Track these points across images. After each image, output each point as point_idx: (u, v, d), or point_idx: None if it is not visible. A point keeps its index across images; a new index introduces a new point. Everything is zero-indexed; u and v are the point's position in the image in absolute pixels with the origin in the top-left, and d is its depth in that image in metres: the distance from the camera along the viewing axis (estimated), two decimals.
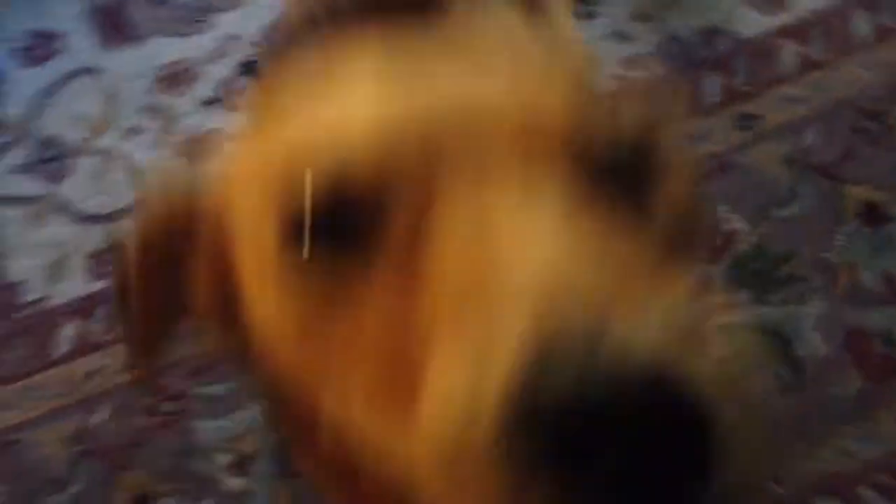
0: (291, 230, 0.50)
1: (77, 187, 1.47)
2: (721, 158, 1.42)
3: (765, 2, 1.56)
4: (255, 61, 1.58)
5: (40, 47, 1.62)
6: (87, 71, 1.59)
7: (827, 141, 1.43)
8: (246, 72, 1.58)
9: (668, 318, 0.39)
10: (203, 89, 1.57)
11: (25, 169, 1.51)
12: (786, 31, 1.54)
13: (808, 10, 1.55)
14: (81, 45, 1.62)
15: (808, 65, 1.51)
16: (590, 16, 1.57)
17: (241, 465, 1.18)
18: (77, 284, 1.34)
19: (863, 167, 1.40)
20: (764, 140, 1.45)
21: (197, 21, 1.62)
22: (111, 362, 1.26)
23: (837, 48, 1.52)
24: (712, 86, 1.51)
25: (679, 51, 1.54)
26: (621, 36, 1.56)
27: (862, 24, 1.54)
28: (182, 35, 1.61)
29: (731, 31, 1.54)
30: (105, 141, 1.52)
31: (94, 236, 1.38)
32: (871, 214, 1.35)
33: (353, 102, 0.52)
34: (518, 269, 0.42)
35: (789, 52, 1.53)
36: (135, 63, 1.59)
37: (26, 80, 1.56)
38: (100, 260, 1.37)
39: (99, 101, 1.57)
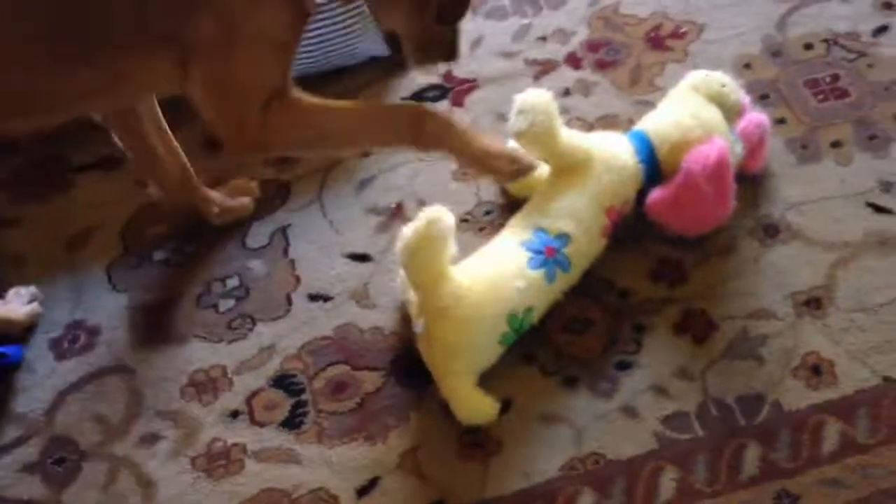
0: None
1: (78, 496, 1.47)
2: None
3: (812, 374, 1.57)
4: (289, 376, 1.61)
5: (77, 340, 1.67)
6: (120, 369, 1.63)
7: None
8: (276, 386, 1.61)
9: None
10: (230, 400, 1.59)
11: (33, 469, 1.52)
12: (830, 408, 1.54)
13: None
14: (119, 341, 1.66)
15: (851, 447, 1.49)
16: (627, 366, 1.58)
17: None
18: None
19: None
20: None
21: (237, 328, 1.67)
22: None
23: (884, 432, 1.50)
24: (752, 456, 1.49)
25: (719, 416, 1.53)
26: (660, 391, 1.57)
27: None
28: (220, 341, 1.65)
29: (773, 402, 1.54)
30: (118, 447, 1.53)
31: None
32: None
33: None
34: None
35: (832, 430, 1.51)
36: (166, 366, 1.63)
37: (57, 373, 1.60)
38: None
39: (122, 402, 1.59)
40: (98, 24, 1.30)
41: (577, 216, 1.61)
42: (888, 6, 2.08)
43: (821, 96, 1.94)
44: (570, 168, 1.65)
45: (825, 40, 2.03)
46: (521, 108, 1.61)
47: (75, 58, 1.32)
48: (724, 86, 1.73)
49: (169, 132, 1.68)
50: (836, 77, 1.97)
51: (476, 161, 1.59)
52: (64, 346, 1.69)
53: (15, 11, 1.26)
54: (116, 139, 1.64)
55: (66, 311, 1.73)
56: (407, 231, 1.50)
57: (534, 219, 1.64)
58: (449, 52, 1.52)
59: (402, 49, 1.51)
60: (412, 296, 1.57)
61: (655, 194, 1.66)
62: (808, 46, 2.01)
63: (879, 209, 1.77)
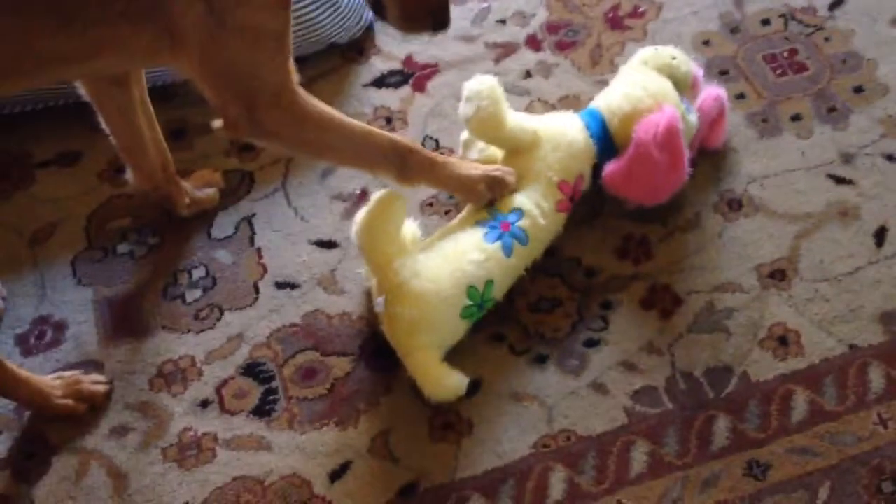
0: None
1: (50, 490, 1.46)
2: None
3: (779, 345, 1.58)
4: (258, 364, 1.60)
5: (44, 335, 1.65)
6: (88, 364, 1.61)
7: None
8: (246, 374, 1.60)
9: None
10: (200, 390, 1.58)
11: (2, 465, 1.50)
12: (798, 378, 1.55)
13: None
14: (86, 335, 1.64)
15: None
16: (595, 343, 1.59)
17: None
18: None
19: None
20: (774, 493, 1.43)
21: (205, 318, 1.66)
22: None
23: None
24: (721, 428, 1.50)
25: (688, 389, 1.54)
26: (629, 366, 1.57)
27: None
28: (188, 332, 1.64)
29: (741, 373, 1.55)
30: (88, 441, 1.52)
31: None
32: None
33: None
34: None
35: (800, 399, 1.53)
36: (134, 358, 1.61)
37: (25, 369, 1.58)
38: None
39: None
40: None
41: (528, 192, 1.62)
42: None
43: (779, 71, 1.95)
44: (519, 150, 1.66)
45: (782, 15, 2.05)
46: (468, 95, 1.62)
47: (68, 27, 1.28)
48: (674, 58, 1.74)
49: (154, 118, 1.66)
50: (793, 51, 1.98)
51: (457, 190, 1.63)
52: (31, 342, 1.67)
53: None
54: (101, 119, 1.61)
55: (32, 306, 1.71)
56: (360, 214, 1.52)
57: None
58: (438, 19, 1.43)
59: (386, 16, 1.45)
60: (370, 278, 1.57)
61: (609, 167, 1.67)
62: (766, 22, 2.03)
63: (840, 180, 1.79)
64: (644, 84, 1.69)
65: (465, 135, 1.74)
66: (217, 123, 1.42)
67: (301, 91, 1.43)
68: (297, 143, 1.47)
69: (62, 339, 1.67)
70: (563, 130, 1.67)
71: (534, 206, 1.61)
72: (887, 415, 1.52)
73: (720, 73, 1.93)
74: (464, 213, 1.66)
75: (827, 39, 2.00)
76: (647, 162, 1.62)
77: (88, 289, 1.73)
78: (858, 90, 1.91)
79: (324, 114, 1.46)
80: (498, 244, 1.56)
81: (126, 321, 1.69)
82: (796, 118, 1.88)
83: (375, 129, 1.53)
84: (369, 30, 2.05)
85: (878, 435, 1.50)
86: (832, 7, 2.05)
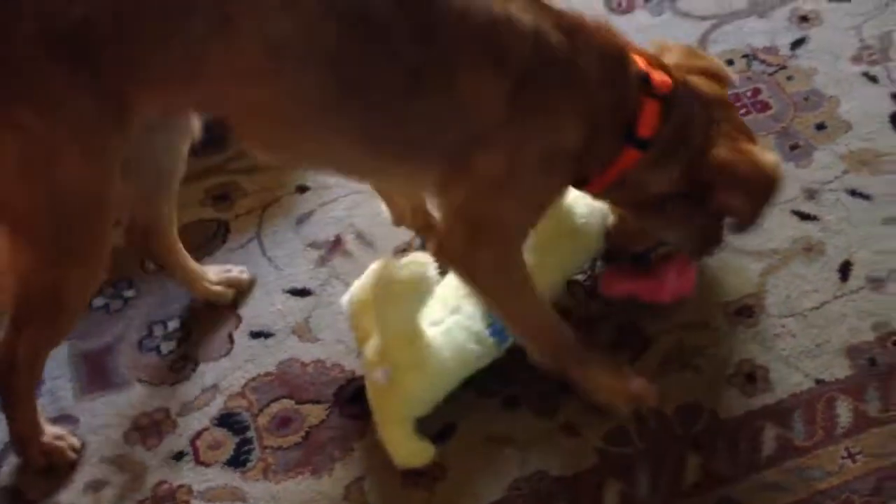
0: None
1: None
2: None
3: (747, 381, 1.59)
4: (233, 414, 1.61)
5: None
6: (64, 419, 1.62)
7: None
8: (221, 425, 1.60)
9: None
10: (174, 442, 1.58)
11: None
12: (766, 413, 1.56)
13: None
14: (61, 390, 1.65)
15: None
16: (567, 385, 1.59)
17: None
18: None
19: None
20: None
21: (180, 370, 1.67)
22: None
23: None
24: (692, 465, 1.51)
25: (658, 427, 1.55)
26: (600, 407, 1.58)
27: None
28: (163, 384, 1.65)
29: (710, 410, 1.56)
30: (64, 496, 1.52)
31: None
32: None
33: None
34: None
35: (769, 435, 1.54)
36: (110, 412, 1.62)
37: (1, 426, 1.58)
38: None
39: None
40: (398, 131, 1.33)
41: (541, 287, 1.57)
42: (804, 19, 2.13)
43: (743, 110, 1.98)
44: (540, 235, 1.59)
45: (745, 56, 2.08)
46: None
47: (369, 147, 1.35)
48: None
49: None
50: (757, 91, 2.02)
51: (596, 396, 1.57)
52: None
53: (319, 64, 1.26)
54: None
55: None
56: (386, 272, 1.47)
57: None
58: (719, 239, 1.61)
59: None
60: (373, 342, 1.53)
61: (624, 285, 1.67)
62: (730, 62, 2.06)
63: (805, 216, 1.81)
64: None
65: None
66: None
67: (520, 252, 1.45)
68: (491, 290, 1.47)
69: (38, 395, 1.66)
70: (588, 224, 1.66)
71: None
72: (855, 449, 1.53)
73: None
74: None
75: (789, 78, 2.03)
76: (662, 293, 1.66)
77: (64, 343, 1.72)
78: (821, 127, 1.94)
79: (524, 280, 1.48)
80: (496, 339, 1.57)
81: (101, 375, 1.70)
82: None
83: (552, 312, 1.53)
84: None
85: (846, 469, 1.51)
86: (794, 46, 2.09)
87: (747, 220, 1.48)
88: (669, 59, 1.48)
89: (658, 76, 1.38)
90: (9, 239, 1.31)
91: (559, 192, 1.46)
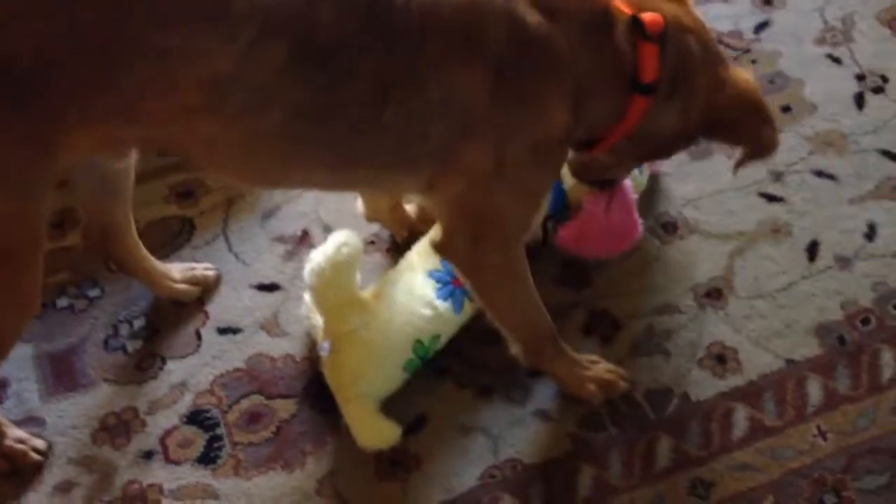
0: None
1: None
2: None
3: (717, 363, 1.59)
4: (203, 412, 1.59)
5: None
6: (30, 421, 1.59)
7: None
8: (190, 422, 1.58)
9: None
10: (143, 441, 1.56)
11: None
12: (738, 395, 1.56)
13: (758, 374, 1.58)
14: (27, 392, 1.62)
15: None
16: (539, 372, 1.59)
17: None
18: None
19: None
20: None
21: (147, 368, 1.64)
22: None
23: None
24: (664, 448, 1.50)
25: (630, 412, 1.55)
26: (544, 415, 1.57)
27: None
28: (130, 383, 1.62)
29: (682, 394, 1.56)
30: (33, 498, 1.49)
31: None
32: None
33: None
34: None
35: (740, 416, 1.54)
36: (77, 412, 1.59)
37: None
38: None
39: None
40: (374, 144, 1.27)
41: None
42: (767, 3, 2.14)
43: None
44: None
45: None
46: None
47: (346, 165, 1.30)
48: None
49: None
50: None
51: (569, 386, 1.57)
52: None
53: (267, 97, 1.19)
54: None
55: None
56: (315, 255, 1.50)
57: None
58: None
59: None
60: (317, 319, 1.57)
61: (564, 232, 1.67)
62: None
63: (771, 198, 1.82)
64: None
65: None
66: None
67: (522, 246, 1.43)
68: (491, 288, 1.45)
69: (3, 397, 1.64)
70: None
71: None
72: (826, 426, 1.54)
73: None
74: (413, 253, 1.64)
75: (754, 61, 2.03)
76: (598, 229, 1.64)
77: (28, 345, 1.70)
78: (786, 109, 1.94)
79: (525, 276, 1.46)
80: (450, 302, 1.56)
81: (68, 375, 1.67)
82: None
83: (543, 309, 1.51)
84: None
85: (818, 447, 1.52)
86: (758, 30, 2.09)
87: (772, 146, 1.42)
88: None
89: (649, 17, 1.31)
90: None
91: (554, 176, 1.43)
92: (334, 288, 1.50)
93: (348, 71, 1.18)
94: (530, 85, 1.26)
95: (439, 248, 1.42)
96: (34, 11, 1.10)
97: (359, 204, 1.74)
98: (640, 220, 1.69)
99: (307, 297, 1.60)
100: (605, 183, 1.60)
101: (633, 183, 1.69)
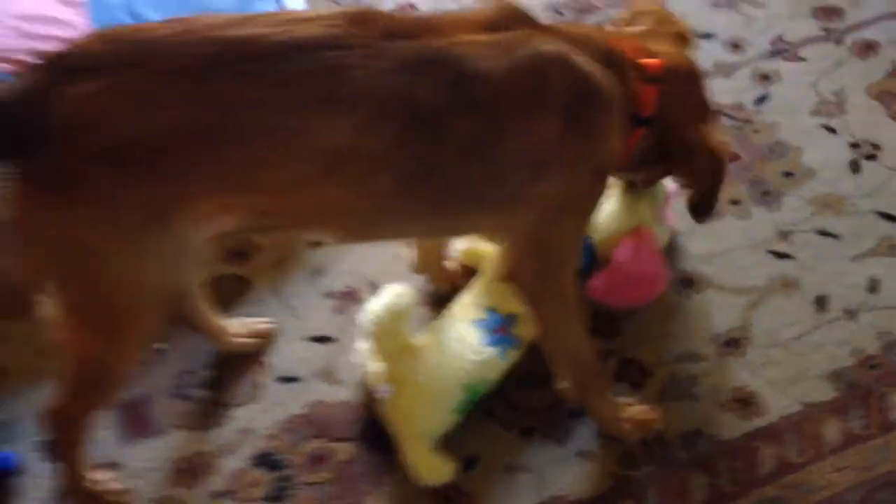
0: None
1: None
2: None
3: (741, 406, 1.71)
4: (268, 454, 1.68)
5: None
6: (108, 464, 1.68)
7: None
8: (257, 464, 1.67)
9: None
10: (215, 482, 1.65)
11: None
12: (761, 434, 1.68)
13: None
14: (103, 439, 1.71)
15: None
16: (578, 414, 1.70)
17: None
18: None
19: None
20: None
21: (213, 415, 1.74)
22: None
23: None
24: (698, 485, 1.61)
25: (663, 452, 1.66)
26: (585, 454, 1.68)
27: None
28: (198, 429, 1.72)
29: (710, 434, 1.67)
30: None
31: None
32: None
33: None
34: None
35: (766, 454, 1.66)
36: (151, 456, 1.68)
37: (48, 474, 1.63)
38: None
39: None
40: (463, 195, 1.39)
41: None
42: (765, 78, 2.30)
43: None
44: None
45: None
46: None
47: (438, 216, 1.43)
48: None
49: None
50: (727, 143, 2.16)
51: (608, 425, 1.69)
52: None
53: (380, 164, 1.32)
54: None
55: None
56: (373, 305, 1.61)
57: (485, 298, 1.76)
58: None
59: None
60: (374, 366, 1.67)
61: (595, 283, 1.79)
62: None
63: (780, 255, 1.96)
64: (625, 204, 1.81)
65: None
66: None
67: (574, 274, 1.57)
68: (551, 314, 1.57)
69: None
70: None
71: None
72: (843, 463, 1.66)
73: None
74: (457, 305, 1.76)
75: (756, 131, 2.19)
76: (627, 279, 1.77)
77: None
78: (788, 174, 2.10)
79: (577, 305, 1.58)
80: (495, 349, 1.68)
81: (140, 423, 1.76)
82: (735, 202, 2.05)
83: (591, 344, 1.64)
84: None
85: (837, 482, 1.65)
86: (757, 102, 2.25)
87: (698, 199, 1.59)
88: (644, 22, 1.61)
89: (650, 62, 1.50)
90: (67, 319, 1.38)
91: (601, 199, 1.55)
92: (392, 335, 1.62)
93: (443, 137, 1.33)
94: (592, 120, 1.42)
95: (509, 277, 1.55)
96: (153, 100, 1.24)
97: (410, 256, 1.86)
98: (665, 271, 1.81)
99: (362, 345, 1.71)
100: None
101: (659, 237, 1.82)
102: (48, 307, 1.38)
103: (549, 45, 1.38)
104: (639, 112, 1.49)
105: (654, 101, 1.50)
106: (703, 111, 1.58)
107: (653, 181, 1.74)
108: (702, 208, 1.59)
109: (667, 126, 1.52)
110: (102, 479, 1.64)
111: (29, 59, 1.50)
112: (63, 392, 1.48)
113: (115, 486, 1.65)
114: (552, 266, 1.53)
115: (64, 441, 1.55)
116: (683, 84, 1.55)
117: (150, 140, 1.24)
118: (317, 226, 1.45)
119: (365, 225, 1.45)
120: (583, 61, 1.39)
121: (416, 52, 1.30)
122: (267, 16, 1.31)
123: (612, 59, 1.45)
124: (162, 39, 1.25)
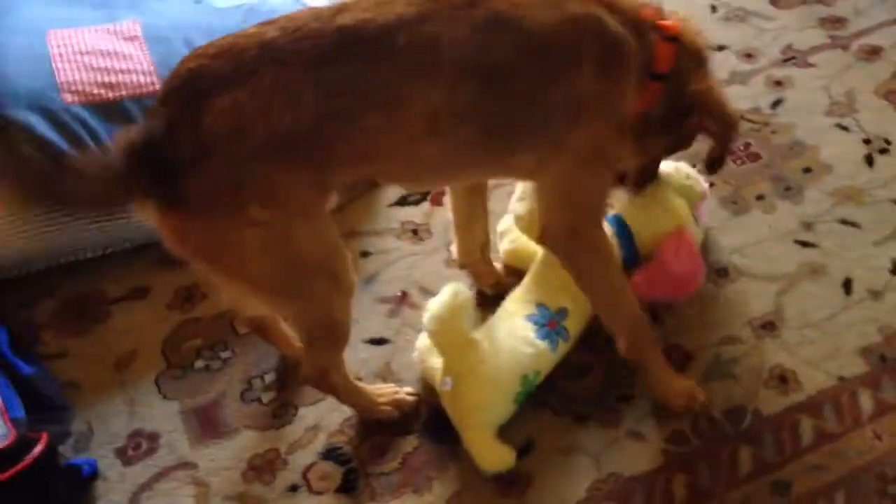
0: None
1: None
2: None
3: (780, 383, 1.80)
4: (336, 449, 1.77)
5: (140, 446, 1.80)
6: (184, 465, 1.77)
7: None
8: (327, 458, 1.76)
9: None
10: (288, 477, 1.74)
11: None
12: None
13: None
14: (177, 442, 1.80)
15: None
16: (627, 398, 1.80)
17: None
18: None
19: None
20: None
21: (283, 415, 1.83)
22: None
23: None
24: (745, 457, 1.70)
25: (710, 428, 1.75)
26: (658, 415, 1.77)
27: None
28: (269, 429, 1.81)
29: (753, 410, 1.76)
30: None
31: None
32: None
33: None
34: None
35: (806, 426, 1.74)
36: (225, 455, 1.77)
37: (127, 477, 1.74)
38: None
39: (191, 493, 1.76)
40: (520, 136, 1.55)
41: (573, 292, 1.78)
42: (779, 84, 2.42)
43: (739, 161, 2.24)
44: None
45: None
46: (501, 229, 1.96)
47: (498, 155, 1.58)
48: (688, 178, 1.98)
49: (486, 209, 1.94)
50: (748, 145, 2.28)
51: (660, 389, 1.79)
52: (129, 453, 1.81)
53: (468, 117, 1.49)
54: (449, 199, 1.93)
55: (125, 423, 1.86)
56: (433, 304, 1.69)
57: (535, 294, 1.85)
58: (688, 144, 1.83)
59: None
60: (434, 361, 1.76)
61: (637, 277, 1.88)
62: None
63: (805, 244, 2.06)
64: (664, 205, 1.92)
65: (501, 225, 1.98)
66: None
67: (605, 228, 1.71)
68: (589, 269, 1.69)
69: (157, 448, 1.82)
70: None
71: (577, 305, 1.83)
72: (881, 430, 1.74)
73: (692, 166, 2.21)
74: (508, 301, 1.86)
75: (774, 132, 2.30)
76: (669, 277, 1.87)
77: (174, 402, 1.89)
78: (807, 170, 2.20)
79: (614, 257, 1.74)
80: (547, 341, 1.78)
81: (212, 425, 1.85)
82: (760, 198, 2.15)
83: (634, 297, 1.75)
84: None
85: (876, 447, 1.72)
86: (774, 106, 2.36)
87: (714, 153, 1.71)
88: None
89: (669, 24, 1.63)
90: (269, 303, 1.62)
91: (625, 148, 1.67)
92: (452, 331, 1.71)
93: (512, 87, 1.49)
94: (619, 74, 1.56)
95: (542, 234, 1.69)
96: (293, 93, 1.40)
97: (453, 250, 1.97)
98: (703, 269, 1.91)
99: (421, 343, 1.81)
100: (643, 180, 1.89)
101: (696, 235, 1.93)
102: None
103: (585, 7, 1.53)
104: (657, 68, 1.62)
105: (672, 58, 1.63)
106: (709, 76, 1.70)
107: (674, 149, 1.84)
108: (717, 162, 1.71)
109: (682, 81, 1.65)
110: (387, 390, 1.82)
111: (100, 90, 1.66)
112: (307, 349, 1.66)
113: (401, 389, 1.82)
114: (582, 219, 1.65)
115: (334, 383, 1.71)
116: (695, 48, 1.67)
117: (299, 128, 1.40)
118: (407, 181, 1.66)
119: (444, 172, 1.63)
120: (611, 22, 1.54)
121: (485, 16, 1.46)
122: (356, 2, 1.46)
123: (634, 20, 1.59)
124: (278, 40, 1.39)
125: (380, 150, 1.50)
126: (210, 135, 1.36)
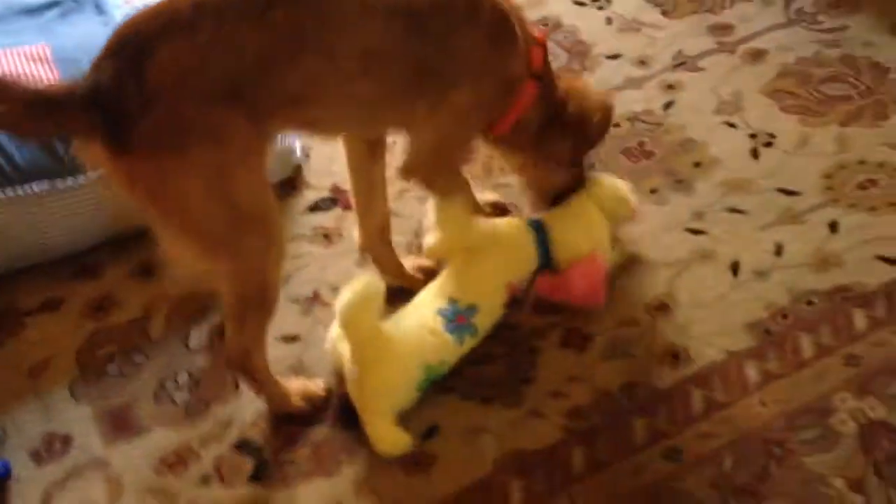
0: None
1: None
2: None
3: (673, 359, 1.88)
4: (248, 441, 1.80)
5: (52, 447, 1.82)
6: (97, 463, 1.79)
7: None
8: (239, 450, 1.79)
9: None
10: (200, 468, 1.76)
11: None
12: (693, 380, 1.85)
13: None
14: (91, 443, 1.82)
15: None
16: (529, 381, 1.86)
17: None
18: None
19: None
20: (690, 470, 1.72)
21: (196, 413, 1.86)
22: None
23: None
24: (640, 427, 1.77)
25: (608, 403, 1.82)
26: (558, 394, 1.84)
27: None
28: (182, 426, 1.83)
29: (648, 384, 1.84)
30: None
31: None
32: None
33: None
34: None
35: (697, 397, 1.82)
36: (138, 453, 1.79)
37: (40, 477, 1.75)
38: None
39: (103, 489, 1.78)
40: (425, 78, 1.64)
41: (484, 290, 1.87)
42: (670, 87, 2.53)
43: (634, 159, 2.34)
44: (479, 249, 1.93)
45: (629, 119, 2.45)
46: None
47: (409, 94, 1.66)
48: (618, 197, 2.05)
49: (386, 186, 1.98)
50: (642, 143, 2.38)
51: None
52: (42, 455, 1.82)
53: (398, 56, 1.60)
54: (350, 177, 1.98)
55: (39, 426, 1.86)
56: (345, 293, 1.73)
57: (448, 289, 1.90)
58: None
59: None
60: (343, 348, 1.81)
61: (542, 280, 1.96)
62: (617, 125, 2.41)
63: (696, 232, 2.15)
64: (587, 226, 2.00)
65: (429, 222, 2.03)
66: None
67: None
68: (439, 188, 1.88)
69: (70, 449, 1.83)
70: (518, 241, 1.97)
71: (487, 303, 1.89)
72: (766, 398, 1.82)
73: (590, 167, 2.30)
74: (421, 295, 1.91)
75: (666, 132, 2.41)
76: (571, 293, 1.96)
77: (87, 406, 1.90)
78: (697, 165, 2.31)
79: (461, 176, 1.95)
80: (454, 335, 1.83)
81: (125, 426, 1.86)
82: (654, 191, 2.25)
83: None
84: (298, 168, 2.36)
85: (762, 414, 1.80)
86: (666, 107, 2.47)
87: (593, 130, 1.92)
88: None
89: (538, 32, 1.81)
90: (207, 255, 1.60)
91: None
92: (361, 320, 1.75)
93: (428, 30, 1.60)
94: (507, 42, 1.71)
95: (404, 172, 1.83)
96: (229, 41, 1.47)
97: (355, 235, 2.04)
98: (605, 292, 1.99)
99: (333, 330, 1.85)
100: (558, 198, 2.02)
101: (608, 260, 2.01)
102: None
103: None
104: (533, 68, 1.78)
105: (542, 60, 1.80)
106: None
107: (580, 149, 1.98)
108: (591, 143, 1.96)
109: (551, 80, 1.83)
110: (299, 384, 1.85)
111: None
112: (233, 324, 1.69)
113: (314, 382, 1.85)
114: (444, 165, 1.83)
115: (255, 368, 1.74)
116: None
117: (238, 74, 1.48)
118: (342, 122, 1.73)
119: (369, 115, 1.70)
120: (508, 5, 1.69)
121: None
122: None
123: (520, 19, 1.75)
124: None
125: (317, 92, 1.57)
126: (154, 83, 1.43)
